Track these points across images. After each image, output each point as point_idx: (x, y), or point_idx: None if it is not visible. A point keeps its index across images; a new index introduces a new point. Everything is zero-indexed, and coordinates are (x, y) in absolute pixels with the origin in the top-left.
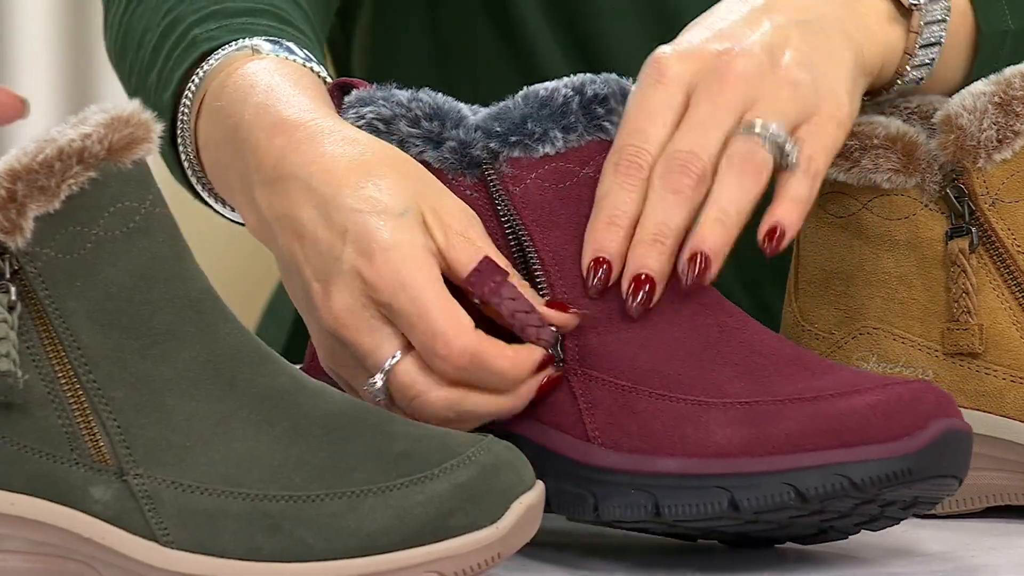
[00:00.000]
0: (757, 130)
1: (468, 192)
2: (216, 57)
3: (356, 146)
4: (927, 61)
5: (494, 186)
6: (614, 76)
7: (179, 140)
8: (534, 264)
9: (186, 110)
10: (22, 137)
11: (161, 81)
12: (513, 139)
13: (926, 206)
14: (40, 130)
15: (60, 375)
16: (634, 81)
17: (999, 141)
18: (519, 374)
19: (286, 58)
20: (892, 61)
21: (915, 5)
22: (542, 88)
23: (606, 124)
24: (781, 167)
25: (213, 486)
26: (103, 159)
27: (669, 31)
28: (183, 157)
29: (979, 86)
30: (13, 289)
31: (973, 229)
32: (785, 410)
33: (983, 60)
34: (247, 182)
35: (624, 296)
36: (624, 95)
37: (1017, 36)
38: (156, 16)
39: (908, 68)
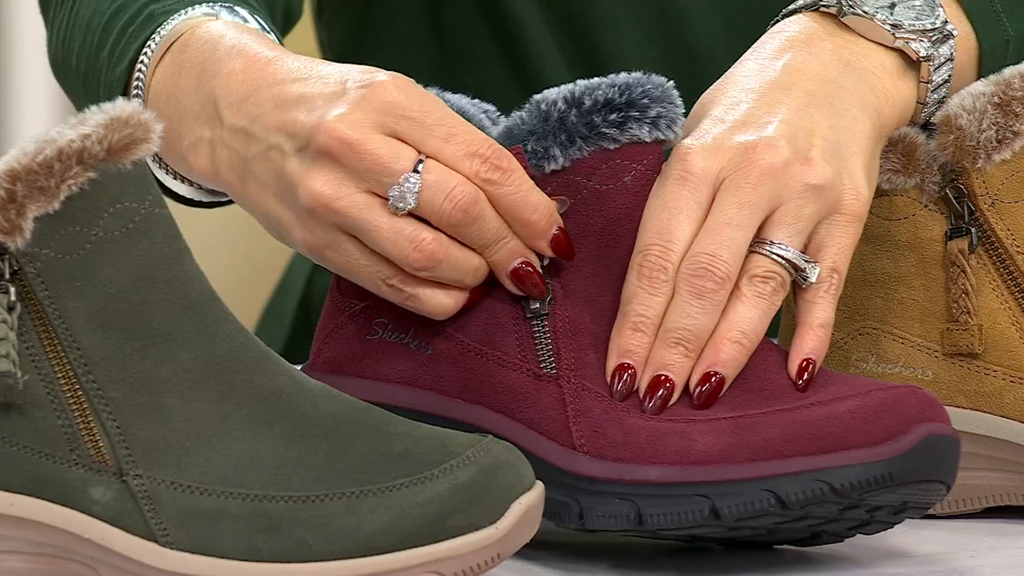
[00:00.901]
0: (777, 252)
1: None
2: (176, 19)
3: (342, 66)
4: (937, 101)
5: None
6: (647, 76)
7: None
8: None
9: (141, 73)
10: (22, 137)
11: (115, 56)
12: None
13: (925, 206)
14: (40, 130)
15: (59, 376)
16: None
17: (999, 141)
18: (540, 198)
19: (244, 24)
20: (907, 113)
21: (925, 57)
22: (543, 101)
23: (608, 131)
24: (799, 283)
25: (212, 487)
26: (102, 160)
27: (668, 32)
28: None
29: (978, 86)
30: (13, 289)
31: (973, 229)
32: (766, 419)
33: (988, 71)
34: (210, 113)
35: (641, 395)
36: (664, 93)
37: (1018, 41)
38: (104, 1)
39: (920, 115)
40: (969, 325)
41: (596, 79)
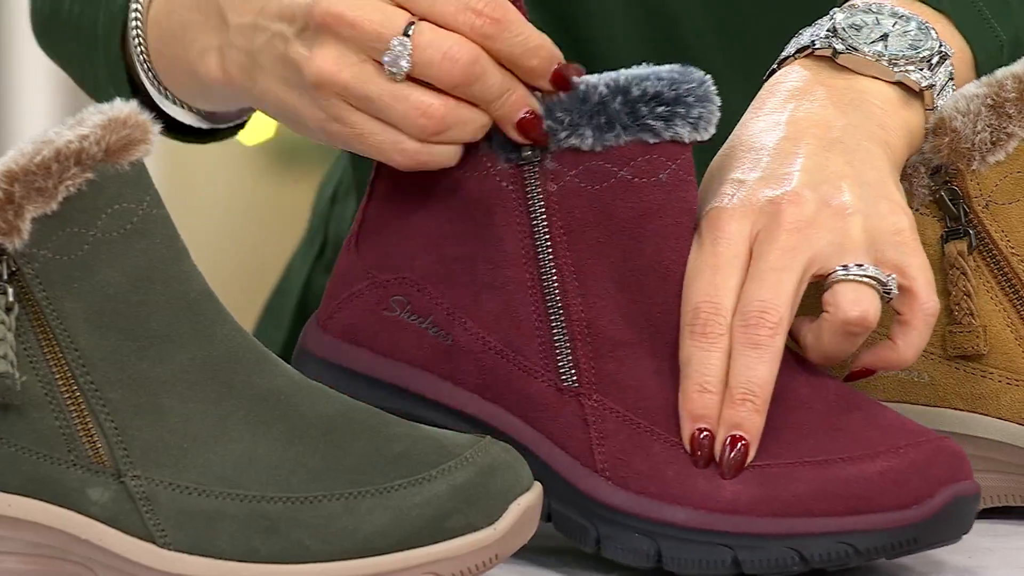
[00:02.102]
0: (854, 273)
1: (502, 182)
2: None
3: None
4: None
5: (531, 182)
6: (687, 69)
7: (133, 33)
8: (550, 269)
9: (139, 4)
10: (22, 137)
11: None
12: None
13: (916, 211)
14: (38, 131)
15: (57, 376)
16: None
17: (993, 143)
18: (541, 40)
19: None
20: (916, 142)
21: (927, 87)
22: (581, 82)
23: (652, 123)
24: (884, 299)
25: (210, 488)
26: (100, 160)
27: (661, 31)
28: (137, 49)
29: (971, 88)
30: (11, 290)
31: (971, 231)
32: (796, 472)
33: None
34: (215, 20)
35: (718, 458)
36: (705, 93)
37: (1013, 43)
38: None
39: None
40: (973, 327)
41: (641, 70)
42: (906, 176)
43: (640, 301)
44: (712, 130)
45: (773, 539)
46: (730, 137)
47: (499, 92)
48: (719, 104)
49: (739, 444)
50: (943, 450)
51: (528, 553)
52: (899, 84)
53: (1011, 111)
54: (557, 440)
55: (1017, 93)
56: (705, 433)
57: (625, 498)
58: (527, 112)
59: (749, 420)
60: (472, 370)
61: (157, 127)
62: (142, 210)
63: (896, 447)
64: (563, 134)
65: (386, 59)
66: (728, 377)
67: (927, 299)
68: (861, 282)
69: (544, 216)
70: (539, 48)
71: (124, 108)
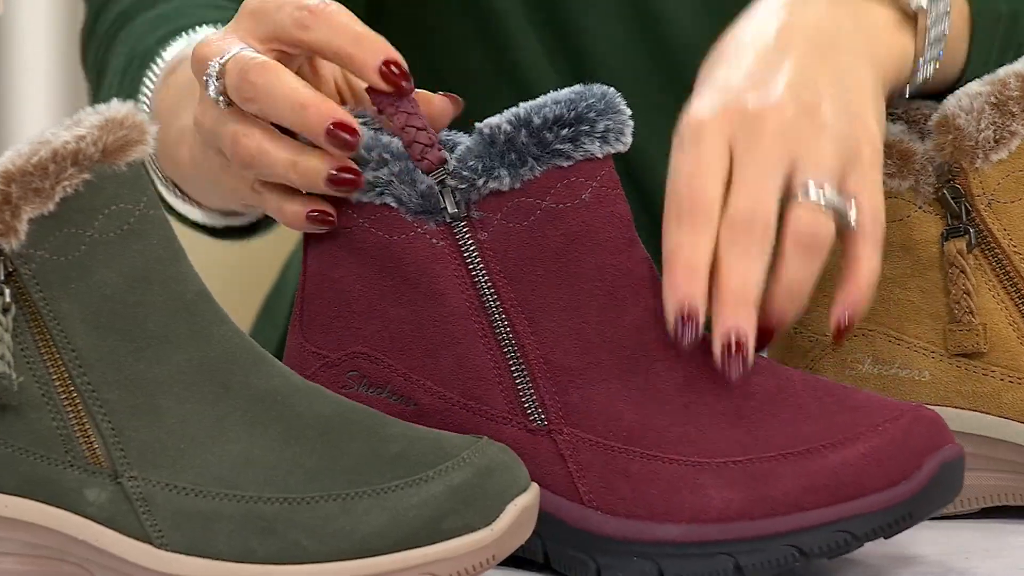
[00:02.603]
0: (813, 197)
1: (432, 239)
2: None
3: None
4: (935, 57)
5: (462, 236)
6: (588, 87)
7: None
8: (499, 315)
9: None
10: (19, 138)
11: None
12: (464, 184)
13: (920, 208)
14: (36, 131)
15: (55, 377)
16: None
17: (996, 141)
18: (363, 31)
19: None
20: (906, 67)
21: (921, 8)
22: (485, 126)
23: (561, 148)
24: (842, 228)
25: (207, 488)
26: (97, 161)
27: (648, 25)
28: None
29: (974, 86)
30: (7, 291)
31: (971, 229)
32: (779, 467)
33: (979, 48)
34: (186, 95)
35: (719, 363)
36: (608, 105)
37: (1010, 18)
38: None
39: (919, 69)
40: (973, 325)
41: (539, 99)
42: (914, 172)
43: (590, 322)
44: (626, 139)
45: (770, 539)
46: (723, 38)
47: (291, 105)
48: (628, 114)
49: (742, 348)
50: (920, 420)
51: (525, 561)
52: (896, 8)
53: (1014, 109)
54: (538, 481)
55: (1020, 91)
56: (693, 318)
57: (617, 525)
58: (333, 122)
59: (746, 321)
60: (441, 429)
61: (154, 128)
62: (139, 211)
63: (874, 426)
64: (481, 180)
65: (208, 85)
66: (717, 280)
67: (871, 230)
68: (818, 205)
69: (482, 265)
70: (360, 38)
71: (121, 109)
